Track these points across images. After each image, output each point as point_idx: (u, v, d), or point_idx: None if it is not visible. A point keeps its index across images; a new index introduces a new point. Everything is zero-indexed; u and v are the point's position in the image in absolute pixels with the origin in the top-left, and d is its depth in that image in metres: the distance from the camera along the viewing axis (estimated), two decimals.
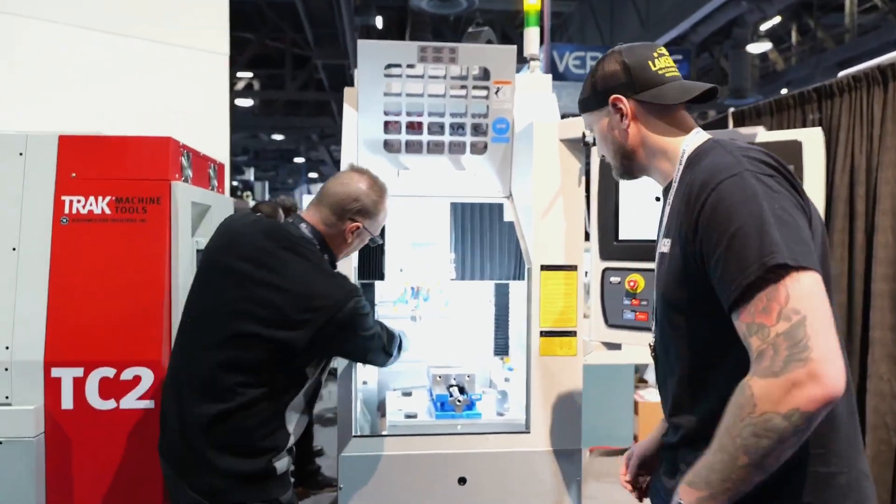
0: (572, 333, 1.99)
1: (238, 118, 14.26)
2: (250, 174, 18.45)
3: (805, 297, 0.98)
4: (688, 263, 1.13)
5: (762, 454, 0.97)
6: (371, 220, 1.81)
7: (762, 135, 1.88)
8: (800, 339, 0.95)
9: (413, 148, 2.20)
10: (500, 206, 2.32)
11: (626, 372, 4.27)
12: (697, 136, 1.25)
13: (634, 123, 1.28)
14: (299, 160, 21.96)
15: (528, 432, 1.98)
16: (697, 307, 1.14)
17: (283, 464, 1.67)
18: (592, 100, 1.33)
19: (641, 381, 4.85)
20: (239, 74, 13.66)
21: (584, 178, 2.03)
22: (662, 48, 1.31)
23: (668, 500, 1.12)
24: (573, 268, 2.00)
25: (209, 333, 1.64)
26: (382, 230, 1.97)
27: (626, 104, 1.27)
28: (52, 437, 1.84)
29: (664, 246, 1.21)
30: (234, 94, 13.50)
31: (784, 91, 7.64)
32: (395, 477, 1.93)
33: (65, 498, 1.85)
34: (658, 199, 1.50)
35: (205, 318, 1.67)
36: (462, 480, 1.96)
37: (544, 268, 1.99)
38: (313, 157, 21.94)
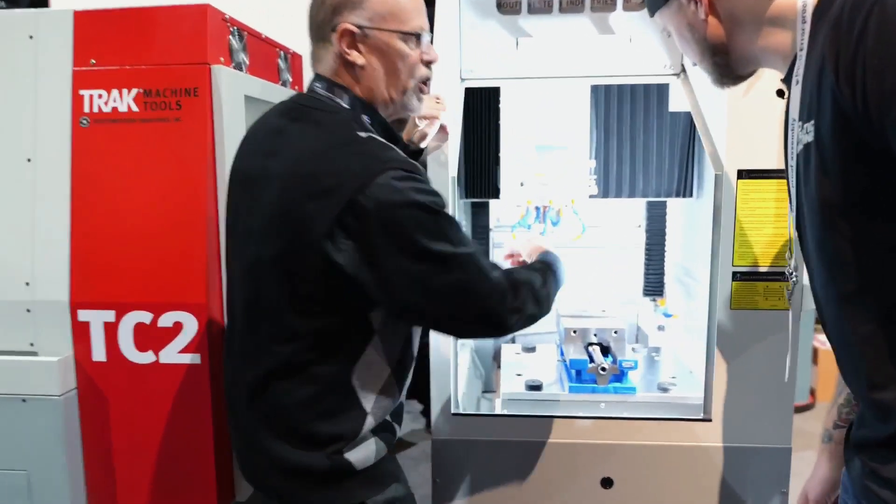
0: (785, 276, 1.31)
1: None
2: None
3: None
4: (851, 131, 0.76)
5: None
6: (362, 10, 1.10)
7: None
8: None
9: (539, 7, 1.62)
10: (665, 88, 1.63)
11: (805, 314, 3.46)
12: None
13: (716, 9, 0.99)
14: None
15: (709, 419, 1.37)
16: (884, 197, 0.77)
17: (361, 453, 1.12)
18: None
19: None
20: None
21: None
22: None
23: None
24: None
25: (236, 267, 1.21)
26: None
27: None
28: (85, 395, 1.49)
29: (806, 135, 0.85)
30: None
31: None
32: (510, 472, 1.39)
33: (102, 468, 1.51)
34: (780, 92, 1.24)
35: (232, 247, 1.24)
36: (607, 482, 1.39)
37: (744, 174, 1.31)
38: None
